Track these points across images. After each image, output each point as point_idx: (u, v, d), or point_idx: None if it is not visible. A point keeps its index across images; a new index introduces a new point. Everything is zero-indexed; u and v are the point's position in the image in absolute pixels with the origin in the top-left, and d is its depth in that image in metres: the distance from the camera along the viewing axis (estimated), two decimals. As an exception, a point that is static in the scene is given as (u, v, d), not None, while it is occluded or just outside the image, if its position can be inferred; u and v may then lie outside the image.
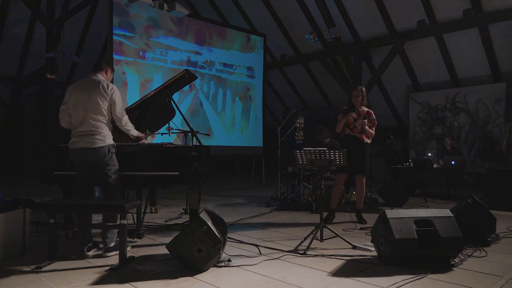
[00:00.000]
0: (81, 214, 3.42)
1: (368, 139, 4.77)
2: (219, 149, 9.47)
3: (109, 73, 3.61)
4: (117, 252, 3.19)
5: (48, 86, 10.02)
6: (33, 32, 11.23)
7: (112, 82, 3.68)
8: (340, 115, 4.82)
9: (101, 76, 3.50)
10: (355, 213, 4.89)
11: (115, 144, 3.48)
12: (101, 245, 3.42)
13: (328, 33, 9.08)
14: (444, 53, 8.85)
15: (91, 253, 3.31)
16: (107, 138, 3.40)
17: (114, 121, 3.55)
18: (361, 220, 4.77)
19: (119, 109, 3.45)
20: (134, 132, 3.62)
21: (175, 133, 4.57)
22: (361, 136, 4.73)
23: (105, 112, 3.39)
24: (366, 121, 4.68)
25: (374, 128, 4.79)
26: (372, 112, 4.81)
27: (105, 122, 3.41)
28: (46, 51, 10.31)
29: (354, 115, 4.74)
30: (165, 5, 9.31)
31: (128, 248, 3.44)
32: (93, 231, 3.50)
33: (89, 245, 3.32)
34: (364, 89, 4.84)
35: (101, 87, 3.39)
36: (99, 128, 3.36)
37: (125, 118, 3.52)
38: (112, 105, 3.41)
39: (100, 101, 3.36)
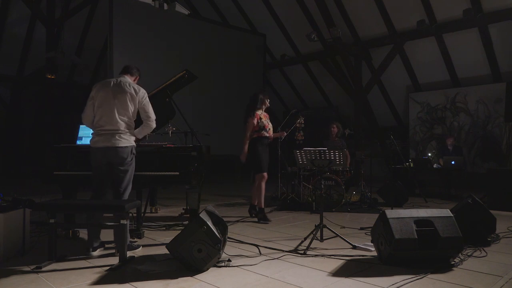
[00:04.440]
0: (91, 214, 3.43)
1: None
2: (219, 149, 9.47)
3: (137, 81, 3.64)
4: (131, 251, 3.31)
5: (48, 86, 10.02)
6: (33, 32, 11.23)
7: None
8: (256, 119, 4.90)
9: (129, 79, 3.52)
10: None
11: (135, 146, 3.47)
12: (106, 245, 3.48)
13: (328, 33, 9.09)
14: (444, 53, 8.85)
15: (96, 253, 3.33)
16: (131, 139, 3.42)
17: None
18: (264, 219, 4.81)
19: (151, 111, 3.48)
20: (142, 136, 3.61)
21: (175, 133, 4.57)
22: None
23: (131, 114, 3.41)
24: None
25: None
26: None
27: (130, 123, 3.42)
28: (46, 51, 10.31)
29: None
30: (165, 5, 9.33)
31: (140, 249, 3.48)
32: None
33: (96, 245, 3.36)
34: None
35: (132, 89, 3.41)
36: (124, 128, 3.37)
37: (154, 118, 3.52)
38: (141, 108, 3.43)
39: (129, 103, 3.37)
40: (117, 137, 3.32)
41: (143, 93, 3.46)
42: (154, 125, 3.51)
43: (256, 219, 4.93)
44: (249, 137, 4.92)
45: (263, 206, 4.92)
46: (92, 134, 3.43)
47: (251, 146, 4.93)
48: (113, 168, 3.35)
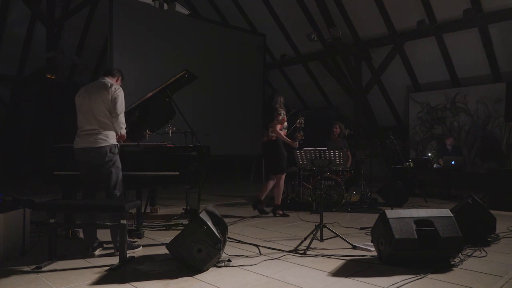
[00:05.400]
0: (87, 214, 3.42)
1: None
2: (219, 149, 9.47)
3: (119, 81, 3.62)
4: (130, 251, 3.31)
5: (48, 86, 10.01)
6: (33, 32, 11.23)
7: None
8: (284, 116, 5.18)
9: (108, 79, 3.51)
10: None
11: (118, 145, 3.44)
12: (105, 245, 3.48)
13: (328, 33, 9.08)
14: (444, 53, 8.85)
15: (96, 252, 3.34)
16: (109, 137, 3.37)
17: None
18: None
19: (119, 105, 3.39)
20: (123, 131, 3.49)
21: (175, 133, 4.57)
22: None
23: (107, 112, 3.36)
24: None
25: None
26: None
27: (109, 122, 3.38)
28: (46, 51, 10.31)
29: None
30: (165, 5, 9.32)
31: (140, 249, 3.47)
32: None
33: (94, 245, 3.36)
34: None
35: (105, 87, 3.39)
36: (102, 127, 3.34)
37: (122, 115, 3.44)
38: (112, 101, 3.36)
39: (103, 101, 3.35)
40: (94, 137, 3.32)
41: (115, 87, 3.41)
42: (120, 119, 3.41)
43: (255, 219, 4.94)
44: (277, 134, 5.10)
45: (280, 203, 5.34)
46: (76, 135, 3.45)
47: (274, 146, 5.03)
48: (96, 169, 3.35)
